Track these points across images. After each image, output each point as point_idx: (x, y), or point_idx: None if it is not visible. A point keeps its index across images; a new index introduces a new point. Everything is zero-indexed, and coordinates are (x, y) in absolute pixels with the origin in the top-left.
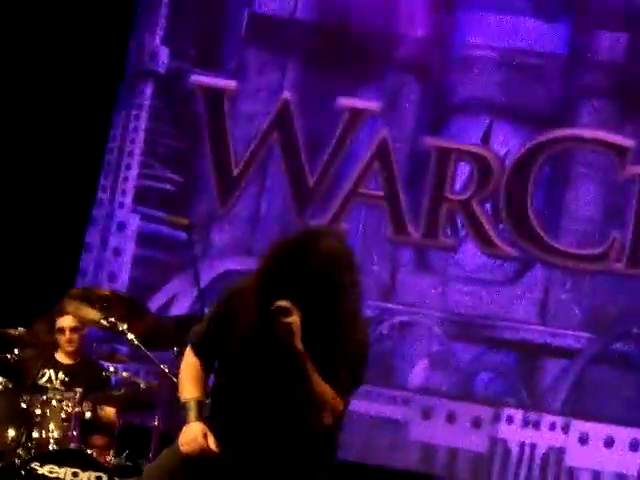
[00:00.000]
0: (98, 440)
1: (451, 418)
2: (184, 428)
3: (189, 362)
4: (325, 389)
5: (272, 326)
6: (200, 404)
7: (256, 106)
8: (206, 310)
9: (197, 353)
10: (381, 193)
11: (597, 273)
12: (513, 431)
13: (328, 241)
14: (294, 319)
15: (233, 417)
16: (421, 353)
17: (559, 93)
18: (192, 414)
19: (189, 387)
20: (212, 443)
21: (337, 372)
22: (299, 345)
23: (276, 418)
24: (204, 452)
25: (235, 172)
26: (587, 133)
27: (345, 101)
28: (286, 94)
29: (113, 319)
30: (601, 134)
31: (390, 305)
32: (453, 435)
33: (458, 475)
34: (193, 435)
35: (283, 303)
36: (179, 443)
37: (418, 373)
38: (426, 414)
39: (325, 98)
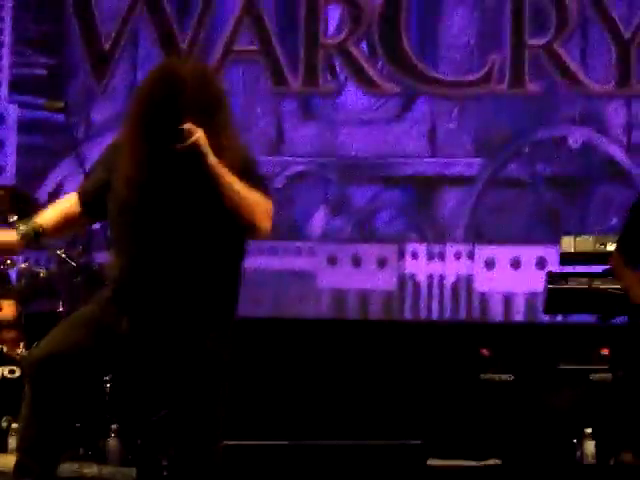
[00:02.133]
0: (5, 335)
1: (357, 261)
2: None
3: (67, 199)
4: (248, 190)
5: (179, 149)
6: (40, 230)
7: None
8: None
9: (80, 197)
10: (255, 47)
11: (481, 97)
12: (419, 265)
13: (187, 64)
14: (200, 134)
15: (132, 270)
16: (318, 201)
17: None
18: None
19: (46, 213)
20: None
21: (246, 182)
22: (212, 158)
23: (180, 262)
24: None
25: (106, 47)
26: None
27: None
28: None
29: (7, 214)
30: None
31: (281, 158)
32: (361, 278)
33: (371, 316)
34: None
35: (186, 125)
36: None
37: (318, 221)
38: (332, 260)
39: None
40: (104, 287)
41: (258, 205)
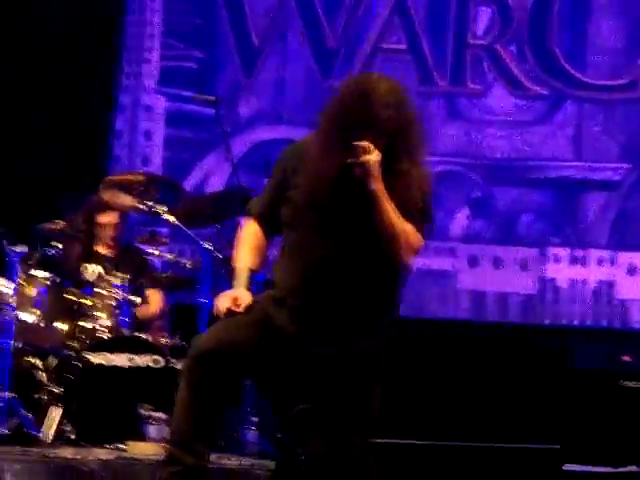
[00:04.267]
0: (151, 324)
1: (498, 263)
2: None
3: (249, 232)
4: (401, 222)
5: (350, 166)
6: (251, 273)
7: None
8: (242, 184)
9: (259, 219)
10: (404, 46)
11: (628, 102)
12: (561, 269)
13: (386, 81)
14: (372, 157)
15: (298, 278)
16: (461, 201)
17: None
18: (238, 281)
19: (243, 256)
20: (243, 307)
21: (408, 212)
22: (375, 184)
23: (344, 274)
24: (230, 312)
25: (256, 42)
26: None
27: None
28: None
29: (151, 202)
30: None
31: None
32: (501, 280)
33: (510, 318)
34: (226, 296)
35: (362, 143)
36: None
37: (460, 222)
38: (472, 262)
39: None
40: (269, 289)
41: (407, 240)
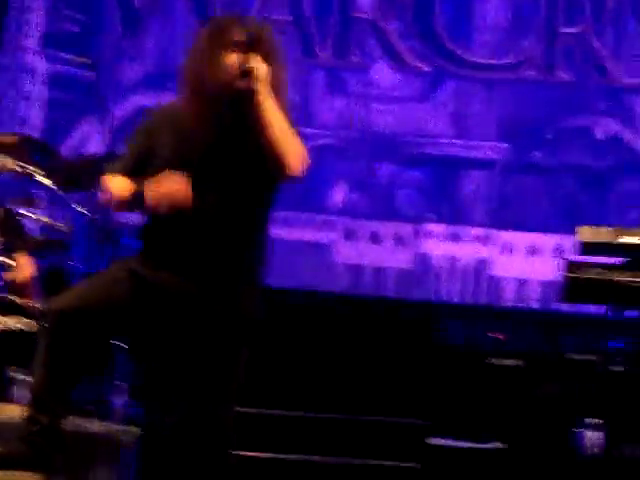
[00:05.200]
0: (18, 286)
1: (374, 237)
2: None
3: (115, 178)
4: (289, 130)
5: (240, 86)
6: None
7: None
8: (119, 149)
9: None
10: (288, 18)
11: (510, 82)
12: (436, 246)
13: (245, 18)
14: (261, 65)
15: (170, 238)
16: (341, 175)
17: None
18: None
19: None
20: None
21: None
22: (266, 89)
23: (216, 224)
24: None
25: (139, 6)
26: None
27: None
28: None
29: (24, 164)
30: None
31: (305, 129)
32: (377, 254)
33: (384, 292)
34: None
35: (254, 63)
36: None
37: (339, 195)
38: (349, 235)
39: None
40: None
41: (295, 145)
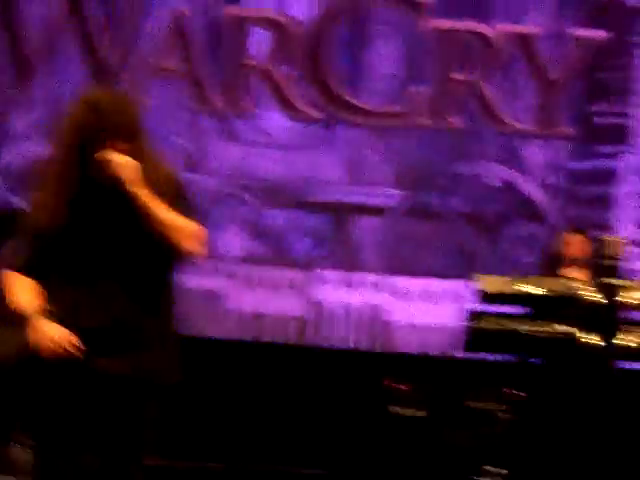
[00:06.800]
0: None
1: (268, 284)
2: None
3: (20, 280)
4: (172, 215)
5: (102, 181)
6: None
7: None
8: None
9: (28, 274)
10: (180, 66)
11: (402, 129)
12: (330, 292)
13: (109, 92)
14: (124, 161)
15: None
16: (235, 222)
17: None
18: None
19: (29, 298)
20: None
21: (173, 203)
22: (135, 185)
23: (120, 290)
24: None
25: (28, 52)
26: None
27: None
28: None
29: None
30: None
31: (198, 176)
32: (271, 301)
33: (278, 339)
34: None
35: (105, 155)
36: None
37: (233, 242)
38: (244, 282)
39: None
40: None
41: (184, 229)
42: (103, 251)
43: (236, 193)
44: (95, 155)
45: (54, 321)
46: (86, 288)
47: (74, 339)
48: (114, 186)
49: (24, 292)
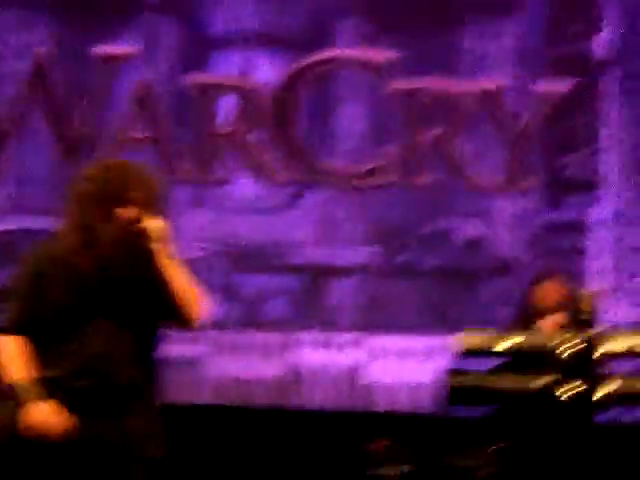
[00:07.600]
0: None
1: (243, 349)
2: (26, 408)
3: (10, 346)
4: (188, 279)
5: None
6: (38, 383)
7: (21, 64)
8: None
9: (18, 333)
10: (148, 135)
11: (373, 188)
12: (306, 354)
13: (135, 163)
14: (157, 224)
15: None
16: (207, 288)
17: (313, 15)
18: (32, 394)
19: (19, 367)
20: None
21: None
22: (167, 246)
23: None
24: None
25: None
26: (344, 53)
27: (100, 49)
28: (40, 49)
29: None
30: (358, 53)
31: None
32: (246, 365)
33: (256, 404)
34: (45, 415)
35: (145, 222)
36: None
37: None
38: (218, 348)
39: (82, 48)
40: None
41: (196, 295)
42: (102, 304)
43: (208, 258)
44: (121, 211)
45: (44, 390)
46: (77, 345)
47: (65, 419)
48: (137, 242)
49: (14, 361)
